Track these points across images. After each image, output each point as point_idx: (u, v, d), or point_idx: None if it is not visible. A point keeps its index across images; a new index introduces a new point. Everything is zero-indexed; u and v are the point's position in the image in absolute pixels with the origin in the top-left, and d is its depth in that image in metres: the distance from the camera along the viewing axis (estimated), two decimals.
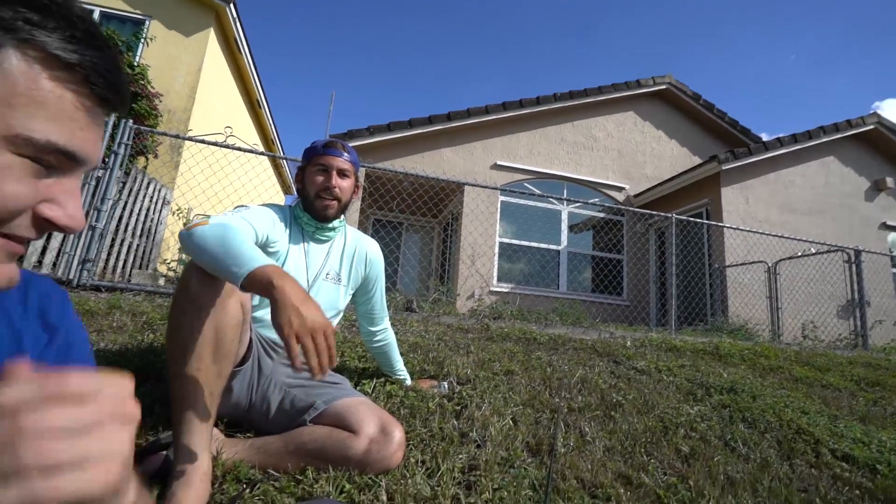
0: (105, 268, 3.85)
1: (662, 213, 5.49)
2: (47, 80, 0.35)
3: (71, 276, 3.13)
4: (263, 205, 1.39)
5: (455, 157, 7.20)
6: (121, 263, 4.11)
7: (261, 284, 0.89)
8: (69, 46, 0.35)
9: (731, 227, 5.43)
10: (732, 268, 6.07)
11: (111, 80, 0.38)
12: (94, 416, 0.29)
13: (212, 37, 6.55)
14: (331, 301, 1.47)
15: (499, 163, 7.32)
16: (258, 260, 0.93)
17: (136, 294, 3.06)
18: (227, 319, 1.02)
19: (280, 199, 12.42)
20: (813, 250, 5.83)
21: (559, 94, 7.53)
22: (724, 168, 6.34)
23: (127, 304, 2.57)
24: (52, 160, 0.37)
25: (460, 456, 1.29)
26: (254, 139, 9.23)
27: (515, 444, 1.41)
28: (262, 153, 4.05)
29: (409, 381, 1.81)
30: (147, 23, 6.26)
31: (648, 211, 5.92)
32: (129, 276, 4.23)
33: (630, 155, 7.96)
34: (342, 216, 1.50)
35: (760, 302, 5.95)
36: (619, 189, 7.75)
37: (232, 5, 6.55)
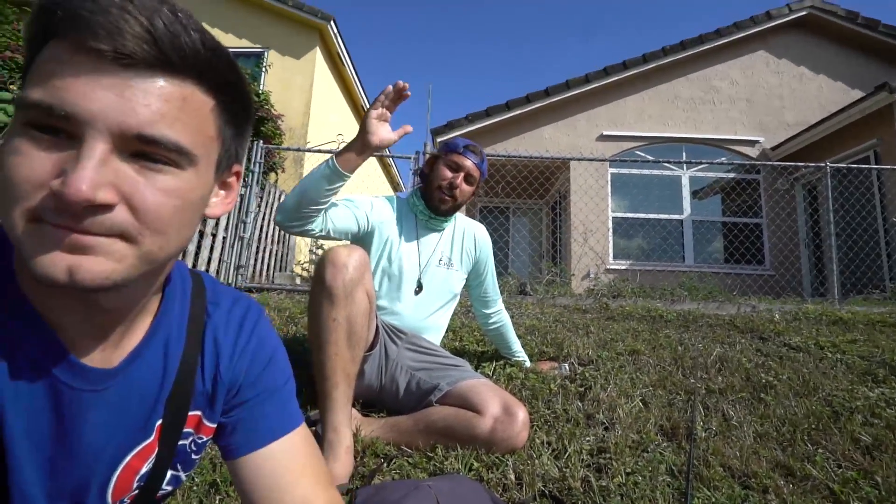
0: (254, 272, 4.46)
1: (812, 164, 4.68)
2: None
3: (229, 281, 3.70)
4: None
5: (557, 134, 6.91)
6: (265, 267, 4.73)
7: (348, 157, 1.22)
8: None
9: None
10: None
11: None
12: None
13: (318, 55, 7.12)
14: (446, 285, 1.52)
15: (605, 133, 6.85)
16: (328, 159, 1.22)
17: (279, 293, 3.51)
18: (356, 308, 1.13)
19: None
20: None
21: (668, 47, 6.76)
22: None
23: (273, 302, 2.95)
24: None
25: (587, 438, 1.25)
26: None
27: (647, 426, 1.33)
28: (371, 155, 4.33)
29: (528, 363, 1.81)
30: (265, 54, 7.02)
31: (793, 163, 5.09)
32: (273, 277, 4.85)
33: (763, 102, 6.86)
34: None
35: None
36: (752, 143, 6.74)
37: (332, 23, 7.04)
